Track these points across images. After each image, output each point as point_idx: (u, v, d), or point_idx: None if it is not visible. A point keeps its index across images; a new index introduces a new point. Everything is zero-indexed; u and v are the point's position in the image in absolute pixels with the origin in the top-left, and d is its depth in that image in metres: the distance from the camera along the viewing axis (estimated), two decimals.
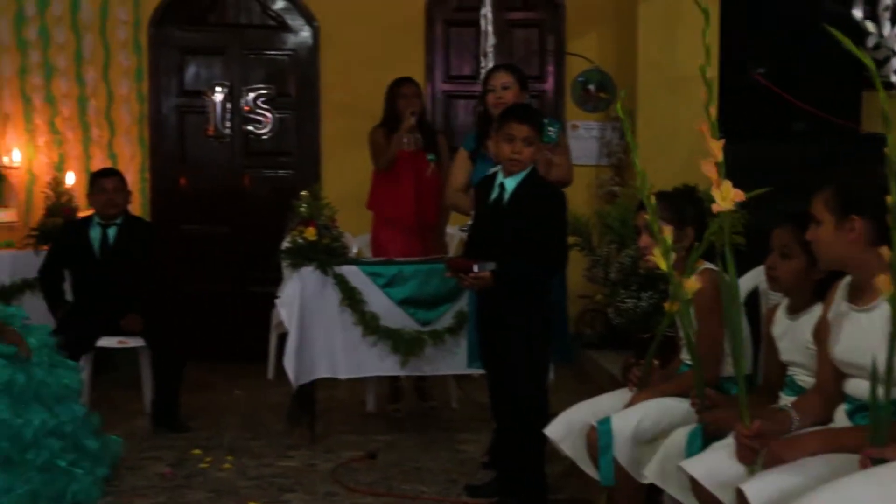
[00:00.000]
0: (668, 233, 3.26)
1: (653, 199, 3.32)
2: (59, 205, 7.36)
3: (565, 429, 3.92)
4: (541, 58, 8.23)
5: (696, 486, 3.06)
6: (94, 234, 6.19)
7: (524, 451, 4.46)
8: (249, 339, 7.62)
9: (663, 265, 3.22)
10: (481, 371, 4.94)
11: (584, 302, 7.54)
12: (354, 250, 6.55)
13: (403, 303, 5.66)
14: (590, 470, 3.79)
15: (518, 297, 4.42)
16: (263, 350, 7.23)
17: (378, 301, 5.63)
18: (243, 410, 6.52)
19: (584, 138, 8.07)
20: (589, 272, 6.74)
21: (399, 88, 6.39)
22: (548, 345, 4.52)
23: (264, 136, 8.11)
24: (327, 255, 5.58)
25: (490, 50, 5.63)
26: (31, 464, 4.40)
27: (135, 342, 6.10)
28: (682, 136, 6.70)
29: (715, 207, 2.95)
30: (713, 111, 3.03)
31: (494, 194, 4.51)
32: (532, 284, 4.45)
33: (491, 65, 5.54)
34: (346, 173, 7.59)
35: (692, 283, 3.21)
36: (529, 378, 4.43)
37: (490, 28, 5.62)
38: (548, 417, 4.16)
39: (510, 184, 4.48)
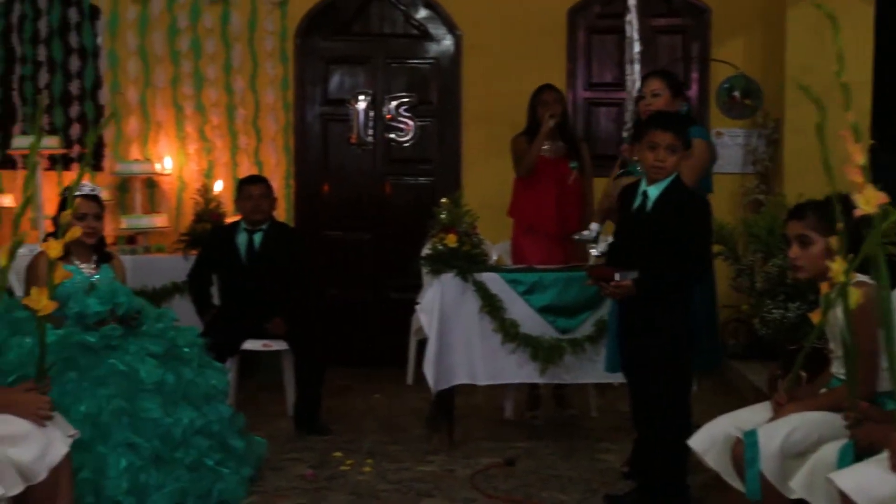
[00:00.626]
0: (835, 243, 3.19)
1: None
2: (208, 211, 7.55)
3: (709, 440, 3.84)
4: (685, 64, 8.11)
5: (845, 501, 2.96)
6: (241, 239, 6.34)
7: (666, 461, 4.40)
8: (389, 344, 7.69)
9: (841, 277, 3.13)
10: (621, 380, 4.89)
11: (728, 311, 7.39)
12: (494, 257, 6.56)
13: (543, 310, 5.64)
14: (735, 483, 3.70)
15: (660, 305, 4.36)
16: (403, 355, 7.29)
17: (518, 308, 5.62)
18: (383, 415, 6.58)
19: (728, 146, 7.91)
20: (734, 281, 6.61)
21: (540, 95, 6.40)
22: (689, 353, 4.45)
23: (406, 144, 8.19)
24: (467, 261, 5.60)
25: (635, 57, 5.57)
26: (180, 462, 4.53)
27: (278, 346, 6.22)
28: (831, 144, 6.52)
29: (857, 212, 2.87)
30: (850, 116, 2.96)
31: (637, 202, 4.47)
32: (674, 292, 4.38)
33: (635, 72, 5.50)
34: (486, 180, 7.60)
35: (855, 295, 3.12)
36: (671, 387, 4.37)
37: (635, 35, 5.56)
38: (690, 428, 4.09)
39: (653, 192, 4.43)
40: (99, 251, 5.19)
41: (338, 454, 5.55)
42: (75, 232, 3.67)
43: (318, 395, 6.10)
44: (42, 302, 3.48)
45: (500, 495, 4.85)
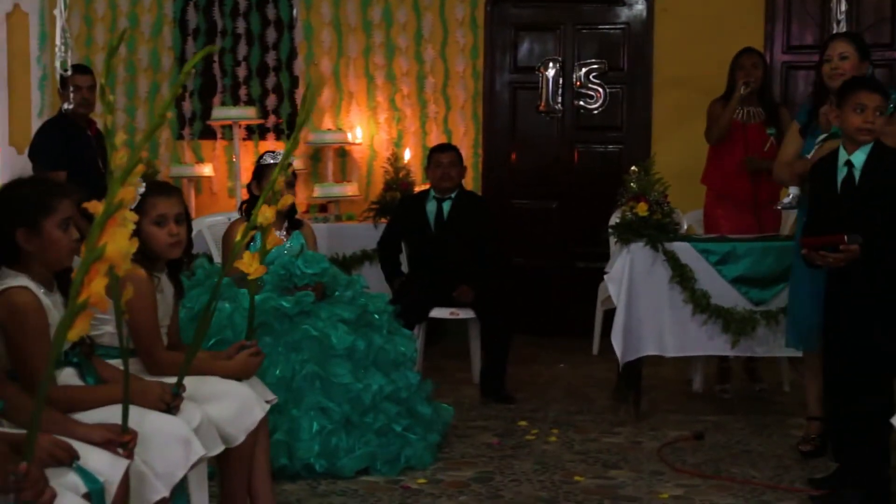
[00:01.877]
0: None
1: None
2: (397, 180, 7.63)
3: None
4: (892, 25, 7.70)
5: None
6: (430, 208, 6.40)
7: (866, 440, 4.21)
8: (575, 313, 7.63)
9: None
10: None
11: None
12: (685, 226, 6.42)
13: (736, 281, 5.49)
14: None
15: (881, 270, 4.15)
16: (589, 325, 7.23)
17: (709, 279, 5.49)
18: (568, 384, 6.55)
19: None
20: None
21: (739, 59, 6.23)
22: None
23: (595, 111, 8.09)
24: (657, 230, 5.50)
25: (841, 17, 5.33)
26: (369, 427, 4.63)
27: (465, 314, 6.25)
28: None
29: None
30: None
31: (842, 174, 4.26)
32: None
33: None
34: (678, 148, 7.43)
35: None
36: (885, 364, 4.17)
37: None
38: (892, 407, 3.92)
39: (858, 158, 4.23)
40: (290, 219, 5.29)
41: (523, 423, 5.55)
42: (287, 200, 3.77)
43: (503, 363, 6.11)
44: (253, 266, 3.60)
45: (689, 469, 4.77)
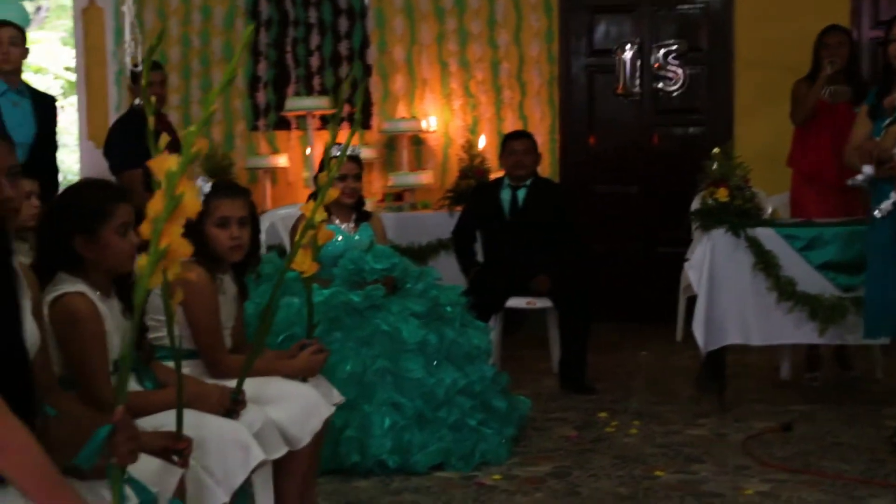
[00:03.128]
0: None
1: None
2: (472, 167, 7.52)
3: None
4: None
5: None
6: (505, 195, 6.27)
7: None
8: (657, 299, 7.44)
9: None
10: None
11: None
12: (769, 211, 6.20)
13: (823, 267, 5.27)
14: None
15: None
16: (672, 311, 7.04)
17: (794, 265, 5.28)
18: (650, 374, 6.38)
19: None
20: None
21: (824, 38, 6.01)
22: None
23: (674, 93, 7.89)
24: (739, 216, 5.31)
25: None
26: (443, 422, 4.53)
27: (542, 303, 6.12)
28: None
29: None
30: None
31: None
32: None
33: None
34: (761, 129, 7.20)
35: None
36: None
37: None
38: None
39: None
40: (358, 210, 5.23)
41: (603, 414, 5.41)
42: (332, 194, 3.67)
43: (583, 352, 5.96)
44: (306, 263, 3.50)
45: (777, 463, 4.57)
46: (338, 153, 4.96)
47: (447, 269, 6.18)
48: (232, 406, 3.05)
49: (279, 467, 3.41)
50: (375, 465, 4.41)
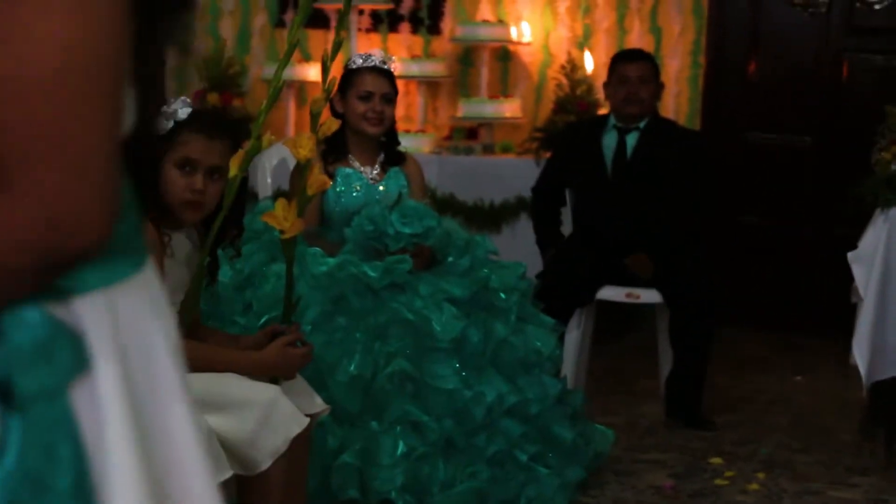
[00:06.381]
0: None
1: None
2: (573, 97, 7.59)
3: None
4: None
5: None
6: (608, 141, 6.29)
7: None
8: (826, 303, 7.43)
9: None
10: None
11: None
12: None
13: None
14: None
15: None
16: (846, 320, 7.03)
17: None
18: (801, 408, 6.42)
19: None
20: None
21: None
22: None
23: (878, 6, 7.85)
24: None
25: None
26: (479, 452, 4.59)
27: (648, 296, 6.15)
28: None
29: None
30: None
31: None
32: None
33: None
34: None
35: None
36: None
37: None
38: None
39: None
40: (388, 149, 5.21)
41: (716, 460, 5.48)
42: (330, 125, 3.78)
43: (702, 370, 6.00)
44: (288, 220, 3.59)
45: None
46: (365, 65, 5.11)
47: (527, 239, 6.25)
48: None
49: (244, 498, 3.56)
50: None
